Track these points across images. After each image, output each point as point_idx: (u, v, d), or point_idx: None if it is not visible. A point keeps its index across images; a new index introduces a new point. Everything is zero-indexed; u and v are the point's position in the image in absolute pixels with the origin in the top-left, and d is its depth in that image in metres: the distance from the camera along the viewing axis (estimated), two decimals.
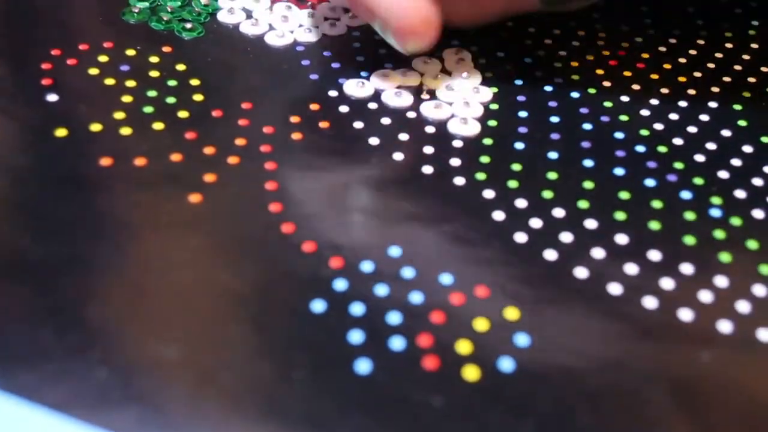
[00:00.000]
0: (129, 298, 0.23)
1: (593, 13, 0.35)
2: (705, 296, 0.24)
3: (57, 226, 0.24)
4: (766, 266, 0.25)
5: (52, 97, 0.28)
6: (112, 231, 0.24)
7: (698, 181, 0.28)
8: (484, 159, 0.28)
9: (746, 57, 0.33)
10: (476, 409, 0.21)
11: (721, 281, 0.24)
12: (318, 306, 0.23)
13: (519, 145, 0.28)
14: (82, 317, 0.22)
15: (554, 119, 0.30)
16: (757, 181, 0.28)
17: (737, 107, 0.31)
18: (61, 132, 0.27)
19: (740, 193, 0.27)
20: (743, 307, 0.24)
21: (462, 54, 0.32)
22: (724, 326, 0.23)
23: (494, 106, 0.30)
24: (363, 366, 0.22)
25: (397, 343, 0.22)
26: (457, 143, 0.28)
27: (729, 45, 0.34)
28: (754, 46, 0.34)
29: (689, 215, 0.26)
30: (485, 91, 0.30)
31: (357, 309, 0.23)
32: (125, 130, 0.28)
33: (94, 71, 0.30)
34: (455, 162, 0.28)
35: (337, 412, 0.21)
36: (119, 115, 0.28)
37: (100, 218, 0.25)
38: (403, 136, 0.28)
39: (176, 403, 0.21)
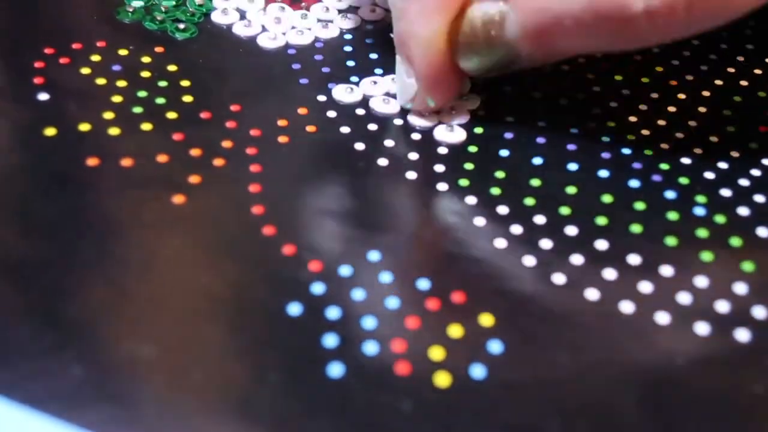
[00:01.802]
0: (107, 297, 0.23)
1: None
2: (683, 298, 0.24)
3: (41, 225, 0.25)
4: (748, 263, 0.25)
5: (43, 96, 0.29)
6: (95, 230, 0.25)
7: (683, 180, 0.28)
8: (468, 166, 0.28)
9: (740, 58, 0.33)
10: (444, 415, 0.21)
11: (701, 281, 0.24)
12: (294, 309, 0.23)
13: (503, 152, 0.29)
14: (59, 315, 0.22)
15: (541, 123, 0.30)
16: (744, 182, 0.28)
17: (727, 113, 0.31)
18: (50, 131, 0.28)
19: (726, 192, 0.27)
20: (722, 307, 0.24)
21: None
22: (701, 328, 0.23)
23: (481, 113, 0.30)
24: (335, 370, 0.22)
25: (370, 348, 0.22)
26: (442, 150, 0.29)
27: (724, 45, 0.34)
28: (750, 46, 0.34)
29: (672, 215, 0.26)
30: (473, 98, 0.31)
31: (333, 313, 0.23)
32: (114, 131, 0.28)
33: (86, 71, 0.30)
34: (439, 168, 0.28)
35: (306, 415, 0.21)
36: (108, 115, 0.28)
37: (84, 218, 0.25)
38: (389, 143, 0.29)
39: (149, 402, 0.21)
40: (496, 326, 0.23)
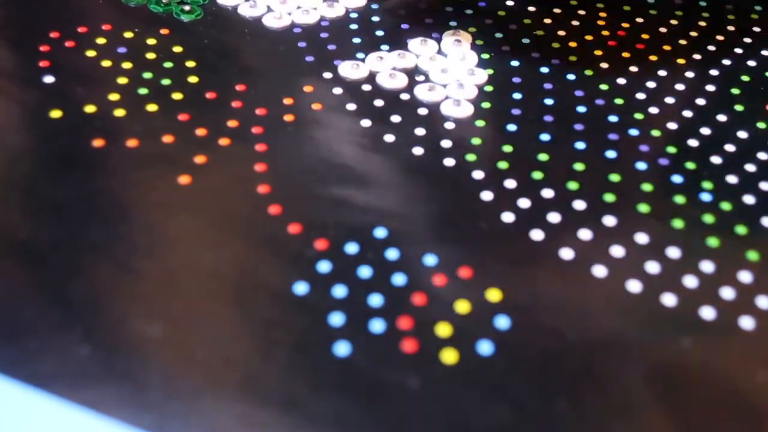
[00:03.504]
0: (115, 276, 0.23)
1: None
2: (690, 281, 0.24)
3: (47, 206, 0.25)
4: (753, 252, 0.25)
5: (48, 79, 0.29)
6: (102, 211, 0.25)
7: (690, 165, 0.27)
8: (476, 141, 0.28)
9: (748, 40, 0.33)
10: (452, 391, 0.21)
11: (707, 266, 0.24)
12: (300, 288, 0.23)
13: (511, 127, 0.28)
14: (67, 295, 0.22)
15: (548, 101, 0.29)
16: (750, 167, 0.27)
17: (735, 91, 0.30)
18: (55, 113, 0.27)
19: (732, 179, 0.27)
20: (727, 293, 0.24)
21: (459, 35, 0.32)
22: (707, 312, 0.23)
23: (489, 88, 0.30)
24: (342, 348, 0.22)
25: (377, 326, 0.22)
26: (449, 125, 0.28)
27: (731, 27, 0.34)
28: (756, 29, 0.34)
29: (679, 199, 0.26)
30: (480, 72, 0.30)
31: (339, 291, 0.23)
32: (119, 112, 0.28)
33: (91, 53, 0.30)
34: (446, 143, 0.28)
35: (312, 393, 0.21)
36: (114, 97, 0.28)
37: (90, 198, 0.25)
38: (396, 118, 0.29)
39: (155, 381, 0.21)
40: (503, 301, 0.23)
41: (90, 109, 0.28)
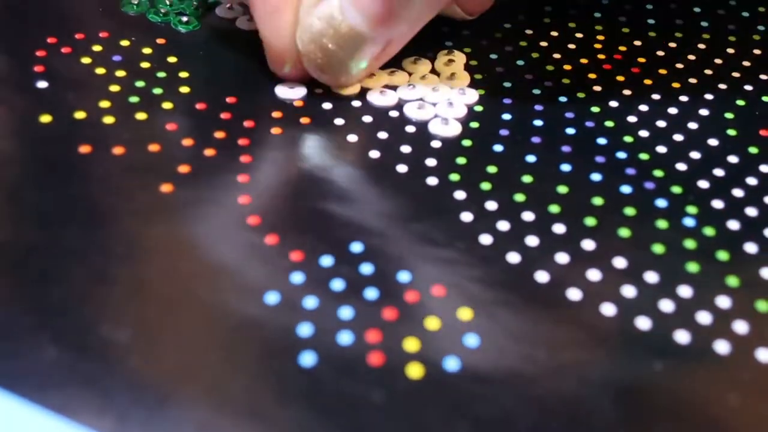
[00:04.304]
0: (89, 282, 0.23)
1: (595, 12, 0.35)
2: (666, 305, 0.24)
3: (29, 211, 0.25)
4: (733, 278, 0.24)
5: (42, 84, 0.29)
6: (82, 218, 0.25)
7: (676, 189, 0.27)
8: (461, 160, 0.28)
9: (747, 63, 0.33)
10: (415, 406, 0.21)
11: (684, 291, 0.24)
12: (272, 298, 0.23)
13: (498, 148, 0.28)
14: (39, 299, 0.23)
15: (538, 123, 0.29)
16: (738, 192, 0.27)
17: (729, 116, 0.30)
18: (45, 118, 0.28)
19: (718, 204, 0.27)
20: (704, 318, 0.23)
21: (453, 55, 0.32)
22: (682, 336, 0.23)
23: (479, 108, 0.30)
24: (308, 359, 0.22)
25: (345, 338, 0.22)
26: (436, 144, 0.28)
27: (731, 50, 0.33)
28: (757, 51, 0.33)
29: (661, 224, 0.26)
30: (471, 92, 0.30)
31: (310, 302, 0.23)
32: (108, 119, 0.28)
33: (86, 60, 0.30)
34: (431, 162, 0.28)
35: (275, 403, 0.21)
36: (104, 104, 0.29)
37: (71, 204, 0.25)
38: (382, 135, 0.29)
39: (119, 386, 0.21)
40: (474, 320, 0.23)
41: (80, 115, 0.28)
